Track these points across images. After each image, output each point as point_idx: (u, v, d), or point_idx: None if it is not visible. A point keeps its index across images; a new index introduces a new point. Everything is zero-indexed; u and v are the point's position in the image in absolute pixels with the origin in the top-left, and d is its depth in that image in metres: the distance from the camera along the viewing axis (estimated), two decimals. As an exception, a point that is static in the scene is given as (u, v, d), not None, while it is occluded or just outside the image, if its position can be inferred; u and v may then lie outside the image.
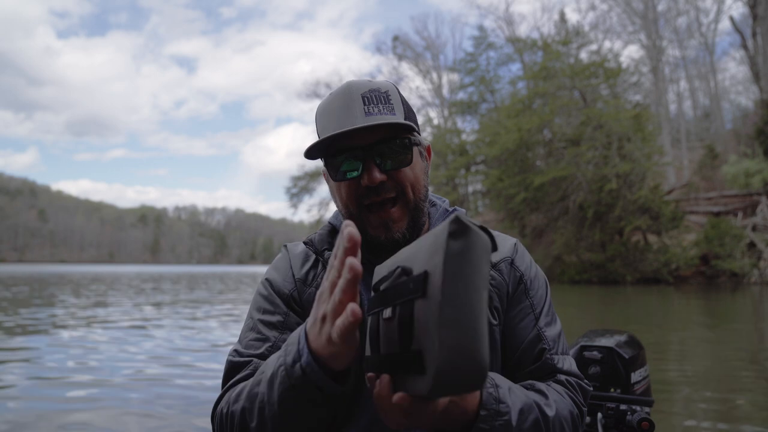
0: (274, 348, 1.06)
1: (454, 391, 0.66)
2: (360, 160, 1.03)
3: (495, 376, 0.91)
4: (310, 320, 0.78)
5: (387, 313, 0.77)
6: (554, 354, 1.10)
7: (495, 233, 1.20)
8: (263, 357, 1.05)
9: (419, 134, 1.11)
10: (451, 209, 1.21)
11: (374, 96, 1.03)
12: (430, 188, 1.18)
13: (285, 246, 1.25)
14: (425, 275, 0.67)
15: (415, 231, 1.09)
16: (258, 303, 1.16)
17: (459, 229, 0.65)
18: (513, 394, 0.90)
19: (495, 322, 1.09)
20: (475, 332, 0.64)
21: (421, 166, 1.10)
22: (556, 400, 0.99)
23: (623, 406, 1.88)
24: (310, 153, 1.05)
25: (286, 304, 1.13)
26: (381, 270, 0.90)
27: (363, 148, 1.02)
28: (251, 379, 0.93)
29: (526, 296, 1.14)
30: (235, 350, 1.10)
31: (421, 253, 0.72)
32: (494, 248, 0.67)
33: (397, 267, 0.79)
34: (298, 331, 0.81)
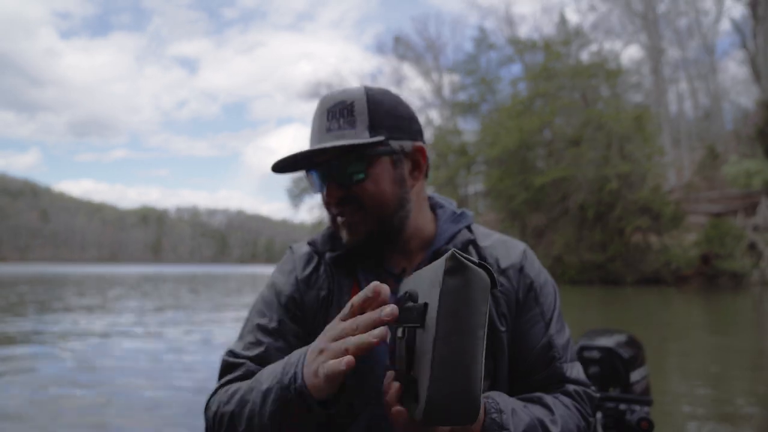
0: (266, 353, 1.08)
1: (445, 423, 0.69)
2: (321, 176, 1.07)
3: (499, 399, 0.91)
4: (311, 346, 0.82)
5: (399, 332, 0.80)
6: (564, 362, 1.10)
7: (504, 238, 1.23)
8: (256, 360, 1.08)
9: (411, 139, 1.10)
10: (458, 212, 1.20)
11: (338, 110, 1.04)
12: (432, 189, 1.18)
13: (290, 247, 1.27)
14: (424, 307, 0.70)
15: (391, 236, 1.11)
16: (258, 306, 1.18)
17: (455, 267, 0.66)
18: (516, 417, 0.91)
19: (503, 329, 1.09)
20: (467, 371, 0.65)
21: (389, 176, 1.08)
22: (562, 415, 1.00)
23: (622, 406, 1.89)
24: (278, 169, 1.09)
25: (286, 310, 1.14)
26: (405, 283, 0.92)
27: (321, 165, 1.06)
28: (245, 384, 0.96)
29: (536, 303, 1.13)
30: (231, 350, 1.12)
31: (425, 281, 0.74)
32: (494, 285, 0.68)
33: (406, 291, 0.82)
34: (300, 353, 0.84)
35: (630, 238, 28.85)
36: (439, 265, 0.68)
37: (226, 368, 1.09)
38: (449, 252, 0.67)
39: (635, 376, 2.04)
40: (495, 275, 0.68)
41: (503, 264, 1.13)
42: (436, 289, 0.66)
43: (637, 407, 1.89)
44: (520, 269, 1.14)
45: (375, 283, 0.75)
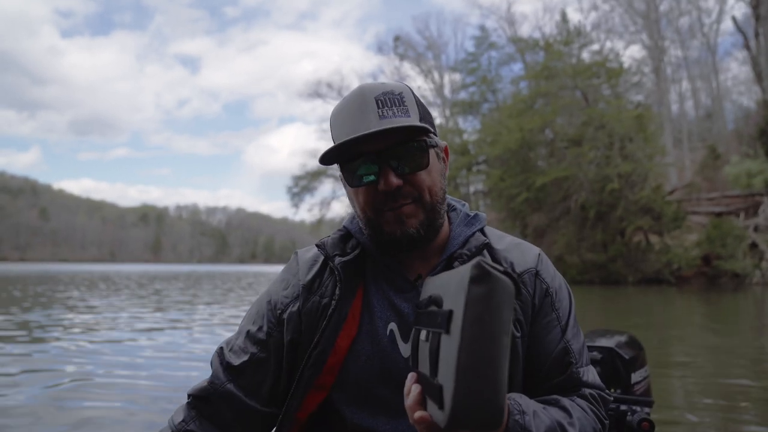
0: (247, 365, 1.12)
1: (469, 429, 0.68)
2: (376, 164, 1.02)
3: (521, 401, 0.92)
4: None
5: (423, 335, 0.80)
6: (580, 367, 1.11)
7: (518, 241, 1.21)
8: (239, 371, 1.12)
9: (436, 135, 1.10)
10: (472, 214, 1.20)
11: (388, 99, 1.02)
12: None
13: (296, 253, 1.24)
14: (450, 314, 0.70)
15: (431, 230, 1.08)
16: (252, 313, 1.19)
17: (480, 275, 0.66)
18: (537, 419, 0.91)
19: (518, 334, 1.09)
20: (492, 378, 0.65)
21: (437, 168, 1.09)
22: (579, 418, 1.00)
23: (623, 407, 1.87)
24: (325, 159, 1.04)
25: (277, 323, 1.14)
26: (428, 286, 0.91)
27: (379, 152, 1.01)
28: None
29: (553, 309, 1.13)
30: (222, 348, 1.17)
31: (451, 288, 0.74)
32: (518, 293, 0.68)
33: (429, 295, 0.83)
34: None
35: (631, 238, 28.86)
36: (465, 271, 0.69)
37: (217, 361, 1.16)
38: (475, 260, 0.68)
39: (636, 376, 2.01)
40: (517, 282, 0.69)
41: (518, 268, 1.13)
42: (462, 296, 0.67)
43: (638, 408, 1.87)
44: (536, 274, 1.13)
45: None
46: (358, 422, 1.09)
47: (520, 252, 1.16)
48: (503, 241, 1.18)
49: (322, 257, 1.17)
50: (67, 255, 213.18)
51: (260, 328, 1.14)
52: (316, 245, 1.17)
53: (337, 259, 1.12)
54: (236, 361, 1.13)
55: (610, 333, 2.18)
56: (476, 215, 1.19)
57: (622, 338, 2.11)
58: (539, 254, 1.18)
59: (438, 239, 1.14)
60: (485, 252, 1.14)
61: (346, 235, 1.18)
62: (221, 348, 1.17)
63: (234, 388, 1.11)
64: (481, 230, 1.17)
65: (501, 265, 1.08)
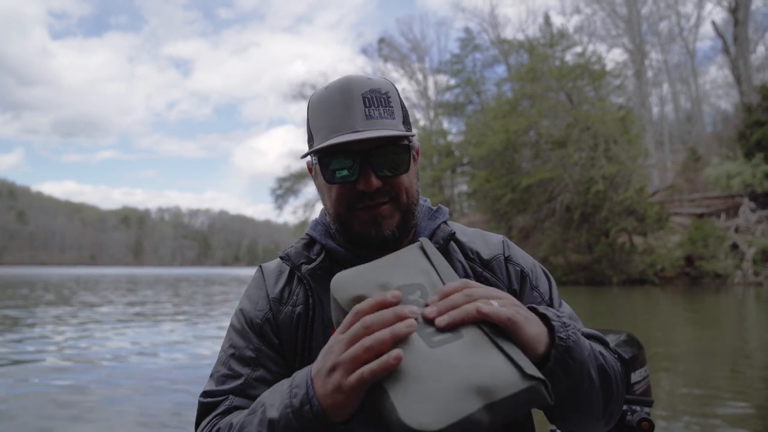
0: (246, 385, 1.02)
1: None
2: (352, 161, 0.99)
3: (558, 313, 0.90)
4: (315, 368, 0.77)
5: None
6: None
7: (481, 231, 1.21)
8: (236, 392, 1.01)
9: (413, 136, 1.08)
10: (434, 208, 1.19)
11: (375, 97, 0.99)
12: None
13: (260, 267, 1.20)
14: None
15: (405, 231, 1.06)
16: (230, 337, 1.11)
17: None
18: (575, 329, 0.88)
19: None
20: None
21: (414, 171, 1.08)
22: (600, 350, 0.97)
23: (623, 406, 1.85)
24: (307, 153, 1.03)
25: (260, 337, 1.08)
26: (350, 284, 0.81)
27: (361, 152, 0.98)
28: (239, 417, 0.89)
29: (533, 288, 1.12)
30: (206, 391, 1.05)
31: (410, 269, 0.82)
32: None
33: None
34: (304, 376, 0.79)
35: (616, 240, 29.17)
36: (415, 250, 0.85)
37: (204, 410, 1.02)
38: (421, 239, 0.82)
39: (636, 376, 1.98)
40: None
41: (485, 256, 1.12)
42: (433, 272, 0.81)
43: (637, 408, 1.84)
44: (507, 259, 1.13)
45: (392, 292, 0.73)
46: None
47: (484, 240, 1.16)
48: (466, 232, 1.19)
49: (288, 268, 1.14)
50: (46, 258, 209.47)
51: (246, 347, 1.07)
52: (280, 257, 1.15)
53: (304, 267, 1.09)
54: (229, 388, 1.03)
55: (610, 333, 2.15)
56: (439, 208, 1.19)
57: (622, 338, 2.08)
58: (503, 240, 1.18)
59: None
60: (452, 243, 1.13)
61: (309, 242, 1.15)
62: (205, 392, 1.05)
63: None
64: (445, 223, 1.17)
65: (468, 255, 1.14)
